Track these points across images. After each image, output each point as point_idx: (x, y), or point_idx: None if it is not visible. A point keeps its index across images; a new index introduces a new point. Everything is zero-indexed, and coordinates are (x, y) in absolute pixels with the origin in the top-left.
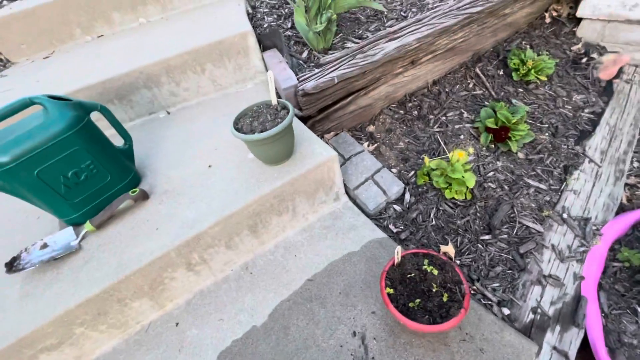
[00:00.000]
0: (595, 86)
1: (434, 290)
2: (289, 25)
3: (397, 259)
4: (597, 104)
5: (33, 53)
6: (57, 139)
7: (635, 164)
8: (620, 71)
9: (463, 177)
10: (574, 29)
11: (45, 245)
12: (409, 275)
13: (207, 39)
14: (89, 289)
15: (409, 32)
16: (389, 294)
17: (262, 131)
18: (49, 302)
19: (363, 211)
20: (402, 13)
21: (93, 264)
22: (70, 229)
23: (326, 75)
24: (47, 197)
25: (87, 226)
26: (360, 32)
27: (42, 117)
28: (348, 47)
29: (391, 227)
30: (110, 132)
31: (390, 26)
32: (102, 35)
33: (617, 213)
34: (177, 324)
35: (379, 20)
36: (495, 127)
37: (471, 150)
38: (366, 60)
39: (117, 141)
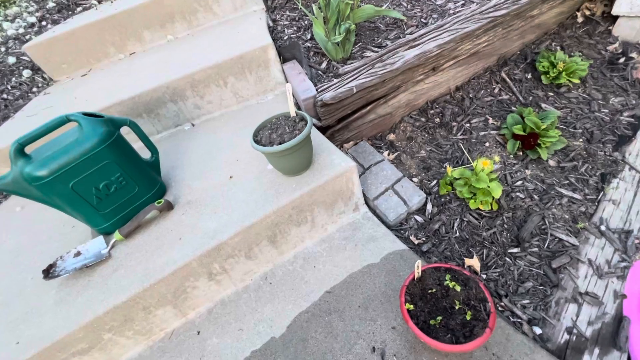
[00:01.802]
0: (635, 87)
1: (456, 307)
2: (309, 36)
3: (418, 273)
4: (637, 107)
5: (72, 71)
6: (89, 154)
7: None
8: None
9: (488, 187)
10: (610, 28)
11: (78, 253)
12: (430, 291)
13: (229, 53)
14: (117, 296)
15: (430, 39)
16: (409, 310)
17: (280, 143)
18: (81, 308)
19: (383, 222)
20: (422, 20)
21: (121, 272)
22: (101, 237)
23: (345, 85)
24: (80, 208)
25: (116, 235)
26: (379, 40)
27: (77, 133)
28: (367, 56)
29: (412, 238)
30: (138, 145)
31: (410, 34)
32: (133, 53)
33: None
34: (198, 332)
35: (399, 28)
36: (523, 133)
37: (497, 158)
38: (385, 69)
39: (145, 154)
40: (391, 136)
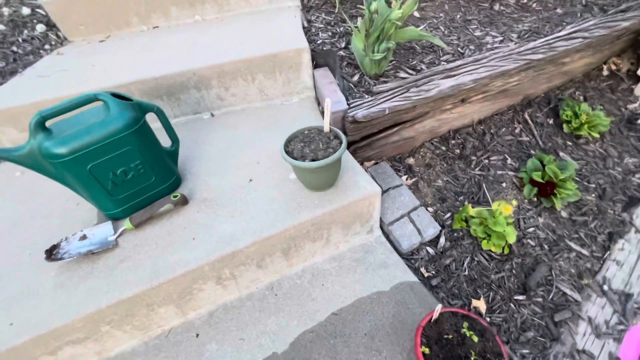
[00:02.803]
0: None
1: (472, 358)
2: (343, 44)
3: (436, 315)
4: None
5: (89, 35)
6: (113, 138)
7: None
8: None
9: (504, 231)
10: (632, 87)
11: (84, 237)
12: (445, 336)
13: (262, 49)
14: (122, 291)
15: (466, 71)
16: (424, 354)
17: (313, 159)
18: (82, 297)
19: (395, 249)
20: (459, 49)
21: (128, 264)
22: (109, 223)
23: (378, 105)
24: (93, 191)
25: (127, 224)
26: (414, 62)
27: (102, 114)
28: (400, 77)
29: (422, 270)
30: (155, 126)
31: (446, 61)
32: (157, 27)
33: None
34: (197, 335)
35: (435, 53)
36: (541, 180)
37: (514, 202)
38: (420, 95)
39: (164, 140)
40: (410, 160)
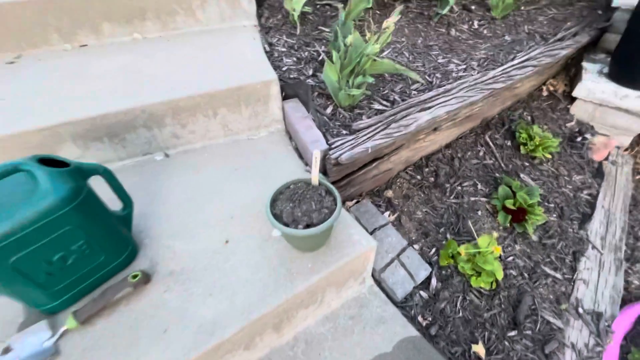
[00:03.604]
0: (589, 166)
1: None
2: (310, 72)
3: None
4: (592, 186)
5: None
6: (46, 219)
7: (628, 251)
8: (608, 152)
9: (493, 268)
10: (568, 106)
11: (7, 350)
12: None
13: (224, 81)
14: None
15: (439, 103)
16: None
17: (308, 224)
18: None
19: (390, 298)
20: (426, 77)
21: None
22: (43, 323)
23: (360, 144)
24: (19, 288)
25: (69, 322)
26: (385, 91)
27: (26, 185)
28: (374, 108)
29: (419, 319)
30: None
31: (416, 90)
32: (85, 45)
33: (621, 306)
34: None
35: (404, 81)
36: (513, 208)
37: (495, 234)
38: (400, 132)
39: (111, 200)
40: (389, 193)
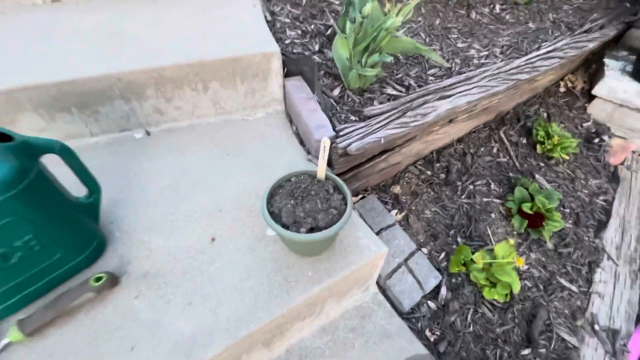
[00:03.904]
0: (605, 170)
1: None
2: (316, 47)
3: None
4: (608, 191)
5: None
6: None
7: None
8: (625, 157)
9: (511, 281)
10: (586, 105)
11: None
12: None
13: (217, 50)
14: None
15: (460, 92)
16: None
17: (312, 228)
18: None
19: (395, 308)
20: (438, 64)
21: None
22: None
23: (372, 133)
24: None
25: (13, 334)
26: (399, 75)
27: None
28: (387, 93)
29: (427, 333)
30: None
31: (433, 76)
32: (59, 1)
33: (636, 322)
34: None
35: (420, 65)
36: (530, 212)
37: (512, 241)
38: (417, 121)
39: (74, 185)
40: (396, 188)
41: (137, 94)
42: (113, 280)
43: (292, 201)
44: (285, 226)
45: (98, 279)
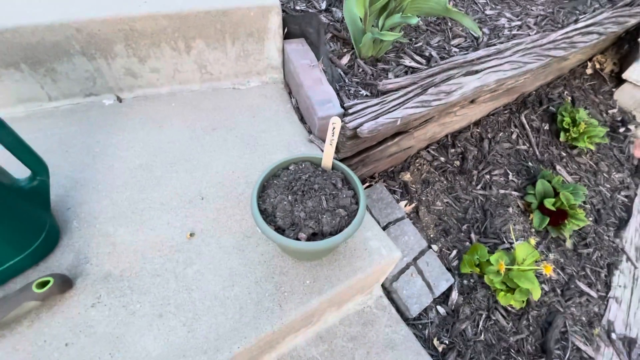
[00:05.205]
0: (629, 163)
1: None
2: (323, 5)
3: None
4: (630, 186)
5: None
6: None
7: None
8: None
9: (532, 287)
10: (613, 90)
11: None
12: None
13: (203, 0)
14: None
15: (489, 68)
16: None
17: (314, 233)
18: None
19: (402, 314)
20: (471, 31)
21: None
22: None
23: (388, 112)
24: None
25: None
26: (419, 44)
27: None
28: (404, 64)
29: (435, 342)
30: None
31: (457, 46)
32: None
33: None
34: None
35: (442, 33)
36: (552, 208)
37: (533, 241)
38: (440, 100)
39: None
40: (406, 176)
41: (103, 50)
42: (64, 284)
43: (289, 197)
44: (281, 229)
45: (43, 284)
